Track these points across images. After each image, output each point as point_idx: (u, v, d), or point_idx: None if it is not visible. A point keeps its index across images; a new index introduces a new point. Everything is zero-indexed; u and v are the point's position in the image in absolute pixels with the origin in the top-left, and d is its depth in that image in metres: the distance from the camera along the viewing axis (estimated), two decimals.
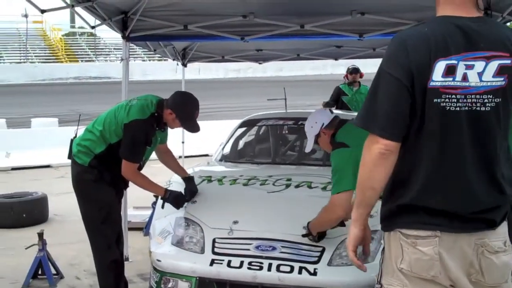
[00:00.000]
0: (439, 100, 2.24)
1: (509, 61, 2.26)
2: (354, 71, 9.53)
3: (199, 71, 37.01)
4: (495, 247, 2.34)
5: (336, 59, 9.47)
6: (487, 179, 2.32)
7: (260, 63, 9.93)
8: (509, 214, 2.39)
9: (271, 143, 6.35)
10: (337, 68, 30.07)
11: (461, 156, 2.29)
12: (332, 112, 4.30)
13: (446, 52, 2.24)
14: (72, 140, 4.74)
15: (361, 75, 9.59)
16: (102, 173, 4.54)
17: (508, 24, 5.83)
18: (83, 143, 4.58)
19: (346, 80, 9.66)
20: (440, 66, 2.23)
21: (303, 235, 4.11)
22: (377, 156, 2.30)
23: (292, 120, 6.49)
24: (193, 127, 4.58)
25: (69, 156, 4.69)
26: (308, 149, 4.27)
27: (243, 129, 6.69)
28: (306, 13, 5.88)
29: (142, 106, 4.49)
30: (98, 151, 4.53)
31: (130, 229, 6.24)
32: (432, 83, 2.23)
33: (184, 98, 4.64)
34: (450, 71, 2.23)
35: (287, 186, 4.83)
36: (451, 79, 2.23)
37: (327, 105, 8.91)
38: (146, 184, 4.60)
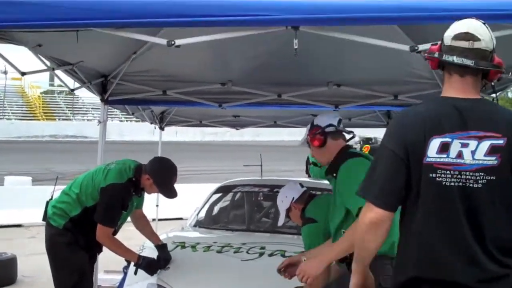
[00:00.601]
0: (434, 175, 2.35)
1: (502, 141, 2.35)
2: None
3: (176, 133, 37.12)
4: None
5: None
6: (486, 251, 2.36)
7: (237, 129, 10.03)
8: None
9: (245, 210, 6.35)
10: None
11: (457, 229, 2.35)
12: (302, 186, 4.38)
13: (440, 130, 2.36)
14: (47, 202, 4.71)
15: None
16: (76, 237, 4.50)
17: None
18: (58, 205, 4.55)
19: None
20: (434, 143, 2.35)
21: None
22: (369, 223, 2.42)
23: (267, 187, 6.52)
24: (171, 193, 4.59)
25: (44, 218, 4.65)
26: (280, 222, 4.39)
27: (218, 195, 6.69)
28: (284, 83, 6.01)
29: (120, 171, 4.50)
30: (73, 214, 4.50)
31: None
32: (427, 159, 2.35)
33: (162, 164, 4.67)
34: (444, 148, 2.34)
35: (261, 254, 4.82)
36: (445, 155, 2.34)
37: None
38: (120, 249, 4.56)
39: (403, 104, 6.31)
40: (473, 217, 2.35)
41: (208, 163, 26.97)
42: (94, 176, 4.52)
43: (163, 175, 4.56)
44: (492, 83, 2.56)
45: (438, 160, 2.34)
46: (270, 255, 4.82)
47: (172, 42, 3.19)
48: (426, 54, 2.52)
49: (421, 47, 3.17)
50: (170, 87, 6.14)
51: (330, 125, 3.76)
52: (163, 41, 3.24)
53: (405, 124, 2.45)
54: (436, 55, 2.45)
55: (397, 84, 5.98)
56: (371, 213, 2.41)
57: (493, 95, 5.06)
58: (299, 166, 24.01)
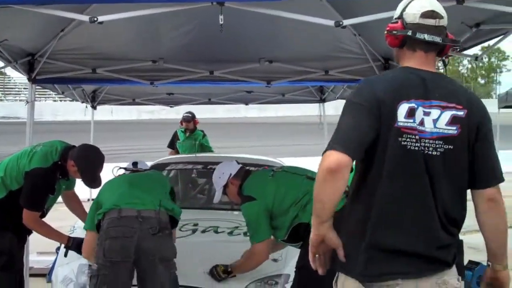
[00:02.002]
0: (401, 139, 2.39)
1: (462, 113, 2.45)
2: (187, 119, 9.59)
3: (112, 112, 36.46)
4: (454, 283, 2.47)
5: (246, 103, 9.61)
6: (439, 219, 2.44)
7: (171, 107, 9.95)
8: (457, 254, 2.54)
9: (179, 187, 6.35)
10: (250, 111, 30.44)
11: (420, 195, 2.42)
12: (238, 163, 4.40)
13: (407, 96, 2.41)
14: None
15: (196, 122, 9.68)
16: (3, 219, 4.40)
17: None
18: None
19: (181, 126, 9.75)
20: (403, 108, 2.39)
21: (210, 273, 4.23)
22: (327, 168, 2.32)
23: (201, 164, 6.53)
24: (94, 183, 4.49)
25: None
26: (216, 199, 4.40)
27: None
28: (215, 59, 5.99)
29: (45, 154, 4.39)
30: None
31: (32, 275, 6.03)
32: (398, 123, 2.39)
33: (89, 152, 4.55)
34: (411, 113, 2.40)
35: (194, 231, 4.83)
36: (411, 120, 2.40)
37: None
38: (48, 232, 4.48)
39: (334, 79, 6.41)
40: (431, 184, 2.42)
41: (143, 142, 26.65)
42: (19, 159, 4.41)
43: (88, 164, 4.44)
44: (444, 58, 2.66)
45: (406, 124, 2.39)
46: (203, 231, 4.84)
47: (95, 19, 3.13)
48: (392, 32, 2.52)
49: (346, 22, 3.19)
50: (100, 65, 6.02)
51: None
52: (86, 18, 3.18)
53: (375, 85, 2.46)
54: (410, 33, 2.49)
55: (328, 59, 6.04)
56: (330, 157, 2.32)
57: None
58: (234, 142, 24.12)
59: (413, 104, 2.40)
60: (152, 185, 4.27)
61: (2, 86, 47.59)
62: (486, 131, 2.52)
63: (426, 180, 2.41)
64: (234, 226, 4.90)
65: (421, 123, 2.41)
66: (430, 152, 2.41)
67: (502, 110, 12.19)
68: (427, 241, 2.42)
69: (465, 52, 4.99)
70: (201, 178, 6.73)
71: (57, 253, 5.83)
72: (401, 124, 2.38)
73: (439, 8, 2.53)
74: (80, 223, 4.94)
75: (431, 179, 2.42)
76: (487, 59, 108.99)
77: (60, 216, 5.55)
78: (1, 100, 45.48)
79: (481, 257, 8.26)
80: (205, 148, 9.51)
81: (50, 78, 6.04)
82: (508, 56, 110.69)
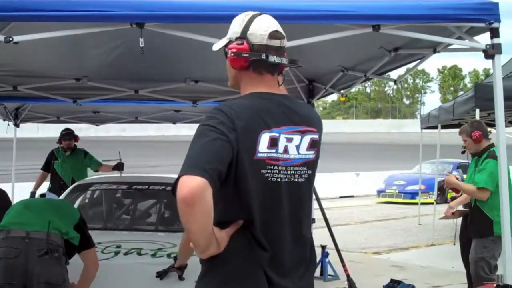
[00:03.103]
0: (264, 171, 2.27)
1: (316, 136, 2.42)
2: (68, 137, 8.69)
3: (38, 129, 35.64)
4: None
5: (174, 123, 9.59)
6: (297, 242, 2.40)
7: (97, 125, 9.82)
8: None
9: (103, 208, 6.23)
10: (180, 129, 30.27)
11: (281, 224, 2.34)
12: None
13: (267, 125, 2.29)
14: None
15: (77, 140, 8.88)
16: None
17: (330, 96, 6.26)
18: None
19: (60, 145, 8.86)
20: (264, 138, 2.26)
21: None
22: (183, 197, 2.03)
23: (126, 184, 6.43)
24: None
25: None
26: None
27: (75, 194, 6.50)
28: (141, 78, 5.96)
29: None
30: None
31: None
32: (259, 155, 2.24)
33: None
34: (273, 143, 2.28)
35: (116, 253, 4.73)
36: (274, 150, 2.28)
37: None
38: None
39: None
40: (295, 213, 2.38)
41: None
42: None
43: None
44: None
45: (268, 155, 2.27)
46: (126, 253, 4.75)
47: (10, 39, 3.05)
48: (241, 55, 2.33)
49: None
50: (22, 82, 5.90)
51: None
52: (1, 38, 3.09)
53: (231, 112, 2.23)
54: (264, 56, 2.34)
55: None
56: (184, 185, 2.03)
57: (342, 91, 5.32)
58: (166, 161, 23.90)
59: (274, 133, 2.28)
60: (45, 207, 4.12)
61: None
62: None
63: (287, 209, 2.33)
64: (158, 248, 4.83)
65: (285, 150, 2.31)
66: (296, 179, 2.35)
67: (424, 130, 12.53)
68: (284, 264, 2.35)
69: (386, 74, 5.15)
70: (126, 198, 6.61)
71: None
72: (264, 155, 2.25)
73: (280, 28, 2.41)
74: None
75: (295, 208, 2.36)
76: (412, 80, 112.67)
77: None
78: None
79: (403, 276, 8.48)
80: (93, 163, 8.77)
81: None
82: (432, 78, 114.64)
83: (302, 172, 2.37)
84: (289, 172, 2.33)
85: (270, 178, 2.28)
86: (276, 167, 2.29)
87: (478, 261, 5.48)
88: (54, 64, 5.60)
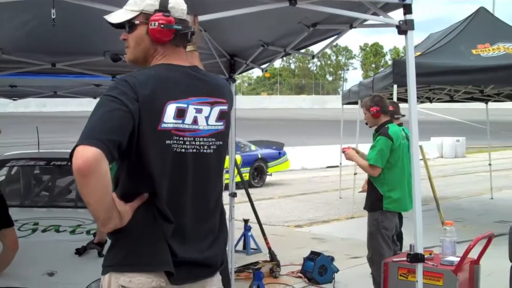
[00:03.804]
0: (169, 142, 2.26)
1: (226, 107, 2.45)
2: None
3: None
4: None
5: (95, 97, 9.37)
6: (204, 213, 2.40)
7: (14, 100, 9.50)
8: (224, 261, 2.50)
9: (21, 184, 6.07)
10: None
11: (187, 195, 2.34)
12: None
13: (175, 95, 2.28)
14: None
15: None
16: None
17: (250, 71, 6.31)
18: None
19: None
20: (171, 109, 2.26)
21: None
22: (77, 169, 2.01)
23: (44, 160, 6.28)
24: None
25: None
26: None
27: None
28: (58, 52, 5.78)
29: None
30: None
31: None
32: (163, 125, 2.24)
33: None
34: (180, 113, 2.28)
35: (34, 230, 4.64)
36: (181, 121, 2.28)
37: None
38: None
39: None
40: (202, 184, 2.39)
41: None
42: None
43: None
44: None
45: (175, 126, 2.27)
46: (44, 230, 4.66)
47: None
48: (171, 27, 2.35)
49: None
50: None
51: None
52: None
53: (135, 82, 2.22)
54: (193, 29, 2.43)
55: None
56: (79, 155, 2.01)
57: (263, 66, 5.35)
58: None
59: (182, 104, 2.29)
60: None
61: None
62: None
63: (191, 180, 2.34)
64: (77, 224, 4.77)
65: (195, 121, 2.33)
66: (204, 151, 2.36)
67: (345, 106, 12.77)
68: (194, 246, 2.36)
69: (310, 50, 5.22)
70: (44, 174, 6.47)
71: None
72: (169, 126, 2.25)
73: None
74: None
75: (199, 177, 2.36)
76: (335, 57, 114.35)
77: None
78: None
79: (324, 247, 8.71)
80: None
81: None
82: (354, 55, 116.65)
83: (210, 143, 2.38)
84: (197, 143, 2.34)
85: (175, 149, 2.29)
86: (182, 138, 2.30)
87: (372, 233, 5.62)
88: None
